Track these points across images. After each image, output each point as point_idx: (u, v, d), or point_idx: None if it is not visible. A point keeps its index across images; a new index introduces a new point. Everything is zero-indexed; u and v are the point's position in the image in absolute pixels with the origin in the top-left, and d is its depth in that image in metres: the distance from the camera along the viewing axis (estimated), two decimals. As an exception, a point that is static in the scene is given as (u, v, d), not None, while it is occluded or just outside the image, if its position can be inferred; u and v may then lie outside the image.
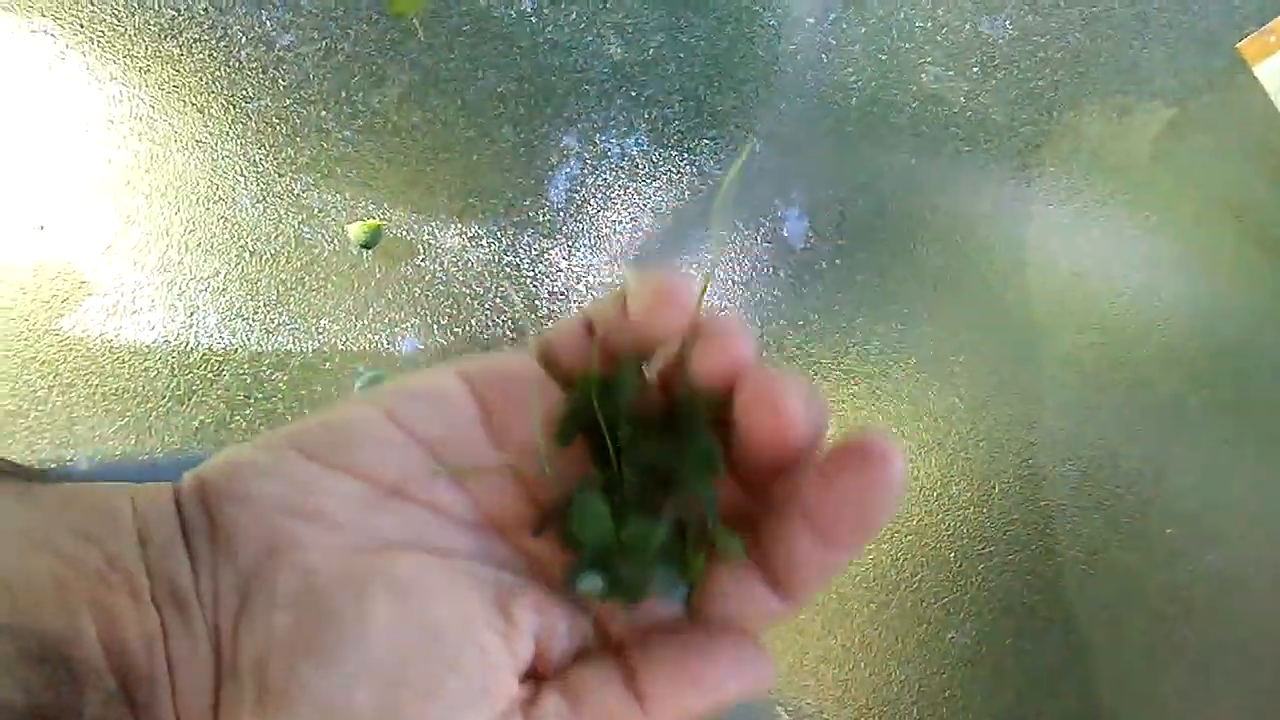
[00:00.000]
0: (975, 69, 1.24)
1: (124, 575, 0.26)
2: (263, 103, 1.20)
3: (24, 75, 1.20)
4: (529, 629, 0.28)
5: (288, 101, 1.20)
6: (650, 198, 1.22)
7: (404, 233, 1.19)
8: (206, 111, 1.20)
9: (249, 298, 1.16)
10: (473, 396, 0.30)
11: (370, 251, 1.19)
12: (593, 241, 1.22)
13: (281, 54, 1.22)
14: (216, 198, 1.18)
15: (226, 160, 1.19)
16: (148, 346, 1.15)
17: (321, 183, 1.19)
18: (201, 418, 1.14)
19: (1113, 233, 1.24)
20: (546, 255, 1.21)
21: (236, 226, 1.17)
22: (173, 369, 1.14)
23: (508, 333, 1.21)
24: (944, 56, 1.24)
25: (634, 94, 1.23)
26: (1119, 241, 1.24)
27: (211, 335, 1.15)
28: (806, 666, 1.18)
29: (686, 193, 1.22)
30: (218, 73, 1.21)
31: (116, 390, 1.13)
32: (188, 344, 1.15)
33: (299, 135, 1.20)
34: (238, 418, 1.15)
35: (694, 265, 1.23)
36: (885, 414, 1.20)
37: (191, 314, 1.15)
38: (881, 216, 1.23)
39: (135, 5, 1.23)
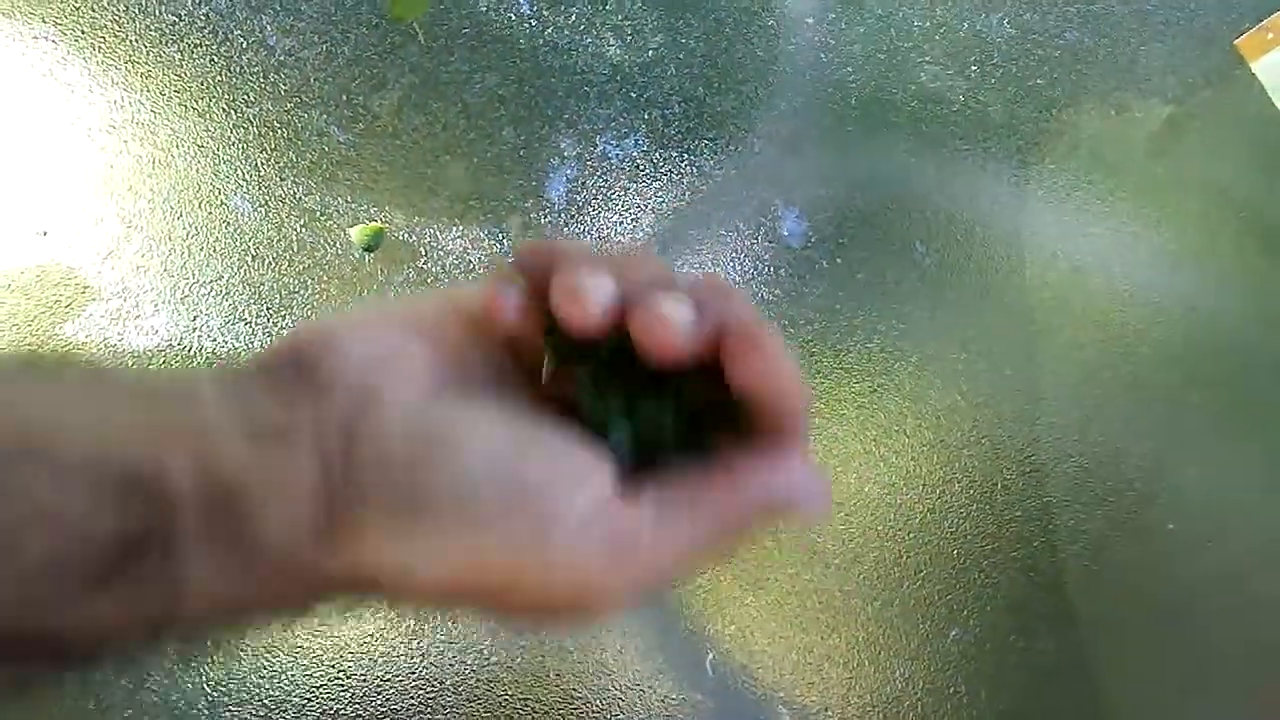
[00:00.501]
0: (974, 67, 1.24)
1: (211, 417, 0.28)
2: (264, 107, 1.21)
3: (26, 81, 1.21)
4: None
5: (288, 106, 1.21)
6: (650, 198, 1.23)
7: (406, 235, 1.19)
8: (208, 116, 1.20)
9: (252, 301, 1.16)
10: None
11: (372, 254, 1.19)
12: (594, 243, 1.22)
13: (282, 59, 1.22)
14: (219, 202, 1.18)
15: (228, 165, 1.19)
16: (151, 350, 1.15)
17: (323, 186, 1.20)
18: (205, 421, 1.15)
19: (1112, 229, 1.24)
20: (548, 257, 1.22)
21: (239, 231, 1.18)
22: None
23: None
24: (942, 55, 1.25)
25: (633, 95, 1.23)
26: (1118, 238, 1.24)
27: (215, 339, 1.16)
28: (810, 664, 1.18)
29: (686, 193, 1.23)
30: (219, 77, 1.21)
31: (121, 394, 1.14)
32: (191, 348, 1.15)
33: (300, 139, 1.21)
34: (241, 421, 1.16)
35: (694, 265, 1.23)
36: (887, 412, 1.20)
37: (195, 318, 1.16)
38: (881, 215, 1.23)
39: (137, 11, 1.24)
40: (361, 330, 0.32)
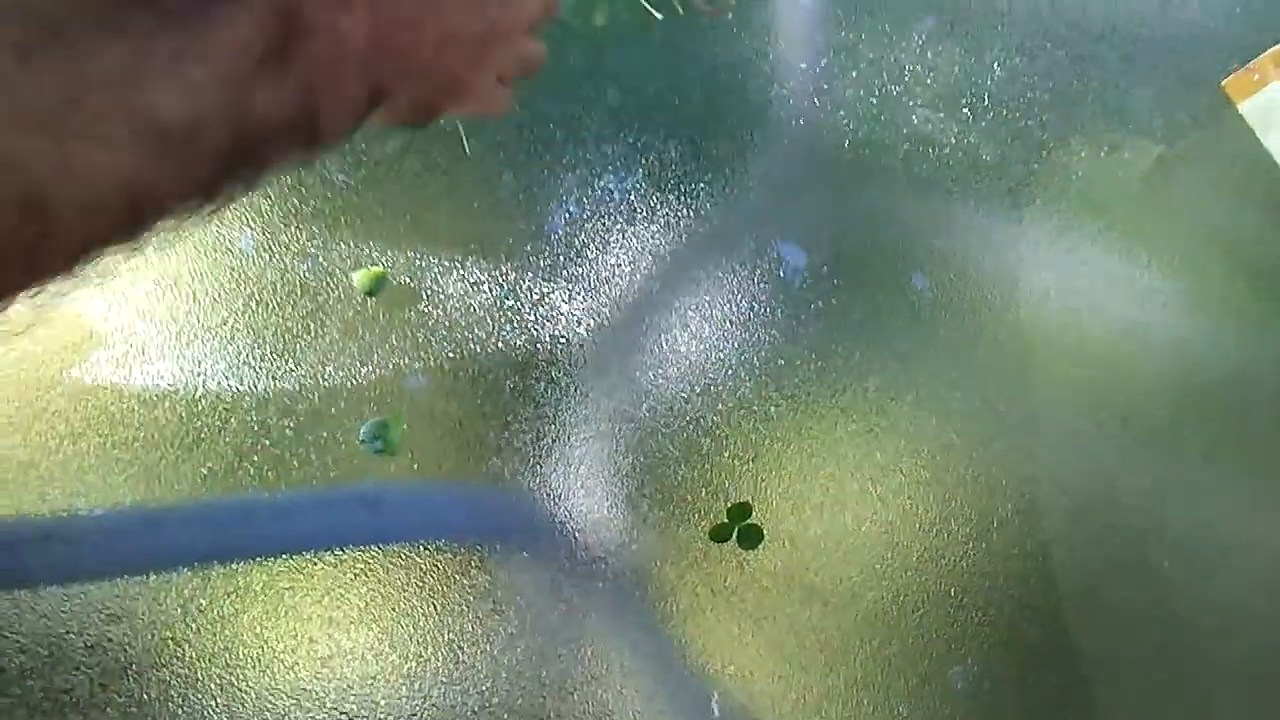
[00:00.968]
0: (965, 110, 1.26)
1: None
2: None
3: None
4: None
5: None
6: (648, 240, 1.24)
7: (407, 279, 1.21)
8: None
9: (255, 345, 1.18)
10: None
11: (374, 298, 1.21)
12: (593, 284, 1.24)
13: None
14: (223, 248, 1.20)
15: (233, 211, 1.21)
16: (156, 395, 1.17)
17: (326, 232, 1.22)
18: (210, 465, 1.16)
19: (1105, 268, 1.25)
20: (548, 299, 1.24)
21: (243, 276, 1.20)
22: (181, 417, 1.16)
23: (512, 374, 1.23)
24: (934, 99, 1.27)
25: (631, 140, 1.25)
26: (1111, 277, 1.25)
27: (219, 383, 1.17)
28: (810, 703, 1.19)
29: (684, 235, 1.25)
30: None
31: (126, 439, 1.15)
32: (196, 392, 1.17)
33: (304, 185, 1.23)
34: (245, 464, 1.17)
35: (692, 306, 1.25)
36: (883, 451, 1.22)
37: (199, 363, 1.17)
38: (876, 256, 1.25)
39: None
40: None
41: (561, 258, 1.23)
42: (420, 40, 0.37)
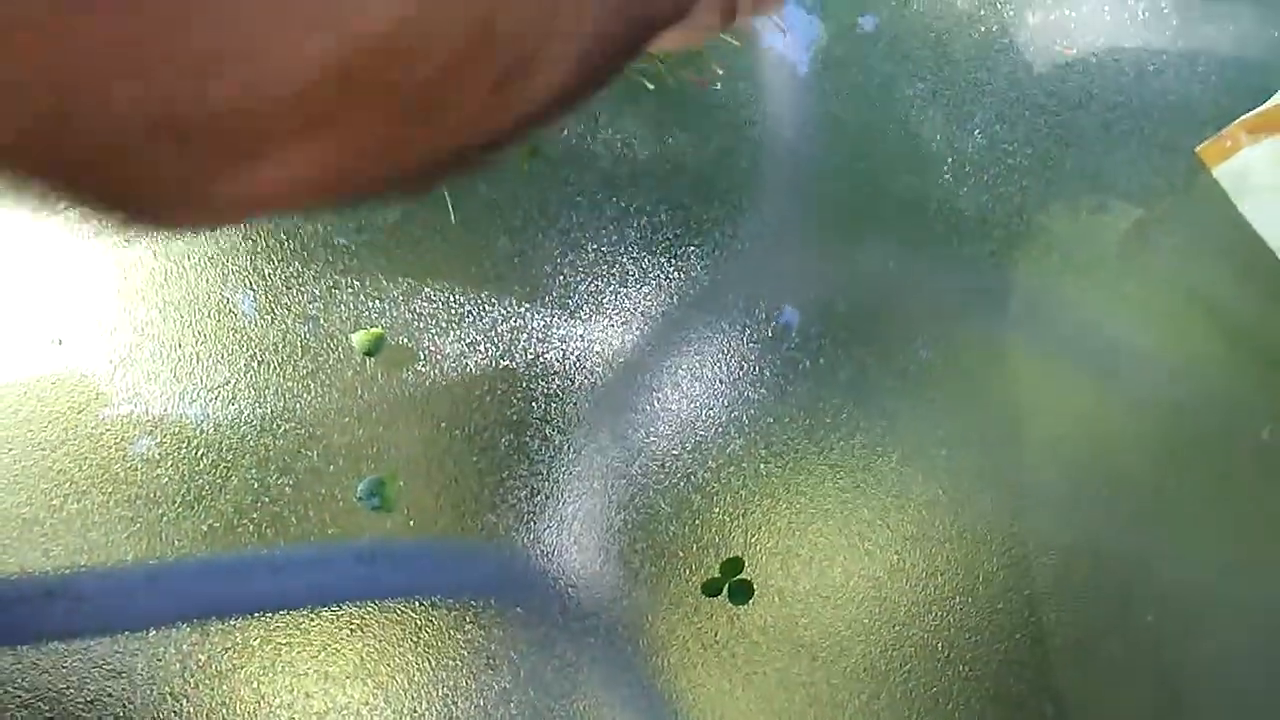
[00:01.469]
0: (947, 176, 1.30)
1: None
2: (272, 222, 1.27)
3: (46, 197, 1.27)
4: None
5: (293, 221, 1.27)
6: (640, 302, 1.28)
7: (405, 340, 1.25)
8: (219, 229, 1.26)
9: (256, 405, 1.21)
10: None
11: (373, 358, 1.24)
12: (586, 344, 1.27)
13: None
14: (226, 310, 1.24)
15: (237, 275, 1.25)
16: (159, 454, 1.20)
17: (326, 294, 1.25)
18: (210, 522, 1.19)
19: (1087, 328, 1.29)
20: (542, 358, 1.27)
21: (245, 337, 1.23)
22: (183, 475, 1.19)
23: (507, 432, 1.26)
24: (917, 165, 1.31)
25: (623, 205, 1.29)
26: (1093, 336, 1.28)
27: (221, 442, 1.20)
28: (800, 758, 1.20)
29: (675, 297, 1.28)
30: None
31: (129, 497, 1.18)
32: (198, 451, 1.20)
33: (306, 250, 1.27)
34: (245, 521, 1.20)
35: (683, 366, 1.28)
36: (870, 507, 1.24)
37: (201, 422, 1.20)
38: (862, 316, 1.28)
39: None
40: None
41: (555, 319, 1.27)
42: None
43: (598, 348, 1.27)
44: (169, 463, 1.19)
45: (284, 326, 1.24)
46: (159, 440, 1.20)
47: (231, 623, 1.18)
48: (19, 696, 1.15)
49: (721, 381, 1.27)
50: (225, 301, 1.24)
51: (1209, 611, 1.25)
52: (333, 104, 0.22)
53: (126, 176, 0.22)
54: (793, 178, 1.32)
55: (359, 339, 1.23)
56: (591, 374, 1.27)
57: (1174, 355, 1.29)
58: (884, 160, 1.32)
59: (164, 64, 0.19)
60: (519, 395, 1.26)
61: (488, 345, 1.26)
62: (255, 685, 1.17)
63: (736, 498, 1.25)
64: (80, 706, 1.15)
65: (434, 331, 1.25)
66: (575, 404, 1.26)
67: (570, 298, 1.27)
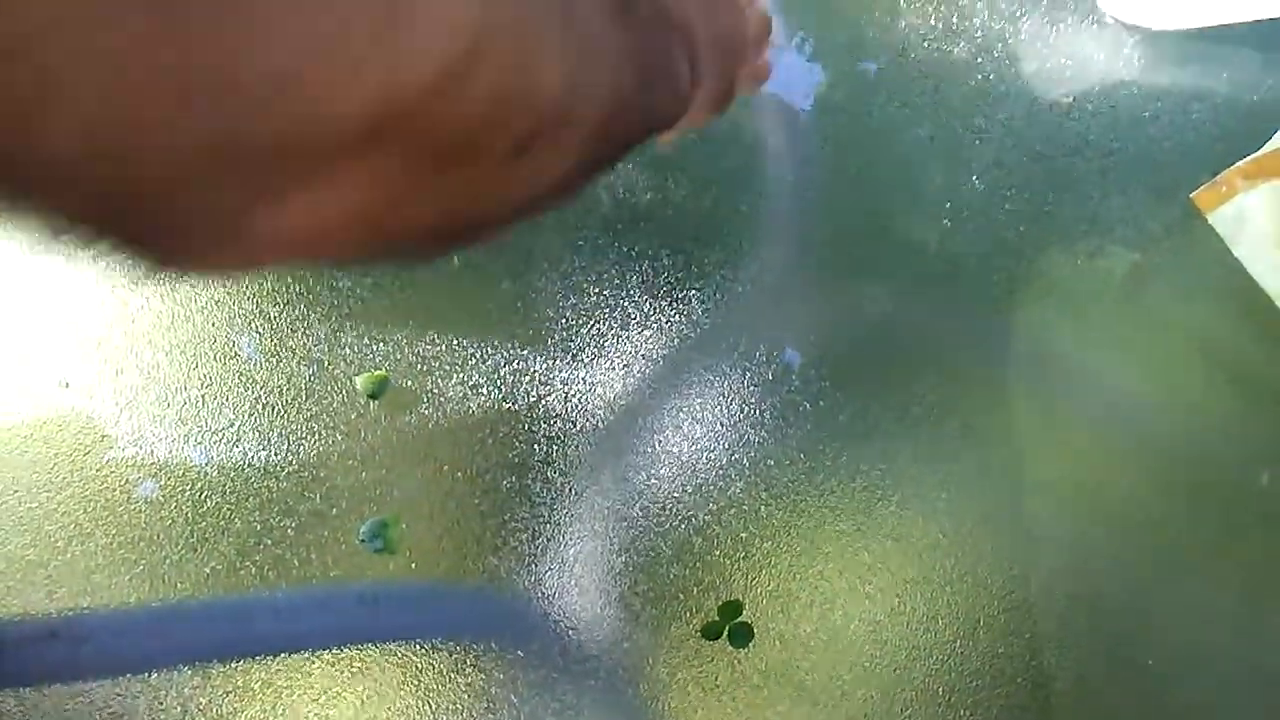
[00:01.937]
0: (946, 221, 1.32)
1: None
2: (293, 267, 1.28)
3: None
4: None
5: (314, 268, 1.29)
6: (641, 345, 1.29)
7: (409, 383, 1.26)
8: (243, 274, 1.28)
9: (260, 448, 1.22)
10: None
11: (376, 400, 1.25)
12: (588, 387, 1.28)
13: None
14: (232, 354, 1.25)
15: (243, 318, 1.26)
16: (163, 497, 1.20)
17: (331, 337, 1.26)
18: (213, 564, 1.19)
19: (1087, 371, 1.29)
20: (544, 401, 1.28)
21: (250, 380, 1.24)
22: (187, 518, 1.20)
23: (509, 474, 1.27)
24: (917, 210, 1.32)
25: (625, 248, 1.31)
26: (1094, 380, 1.29)
27: (224, 485, 1.21)
28: (801, 804, 1.20)
29: (676, 340, 1.29)
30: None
31: (133, 539, 1.19)
32: (202, 493, 1.21)
33: (311, 293, 1.28)
34: (248, 564, 1.20)
35: (684, 409, 1.29)
36: (870, 550, 1.24)
37: (205, 465, 1.21)
38: (862, 359, 1.29)
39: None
40: None
41: (557, 362, 1.28)
42: (718, 20, 0.34)
43: (599, 390, 1.28)
44: (173, 505, 1.20)
45: (288, 370, 1.25)
46: (163, 483, 1.21)
47: (233, 666, 1.18)
48: (20, 739, 1.15)
49: (722, 424, 1.28)
50: (230, 345, 1.25)
51: (1210, 656, 1.25)
52: (367, 144, 0.23)
53: (175, 210, 0.23)
54: (793, 221, 1.33)
55: (362, 382, 1.24)
56: (593, 416, 1.27)
57: (1172, 399, 1.30)
58: (884, 204, 1.33)
59: (236, 88, 0.20)
60: (521, 438, 1.27)
61: (490, 388, 1.27)
62: (256, 728, 1.18)
63: (737, 540, 1.25)
64: (81, 749, 1.15)
65: (437, 374, 1.26)
66: (577, 446, 1.27)
67: (572, 341, 1.28)
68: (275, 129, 0.22)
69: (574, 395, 1.28)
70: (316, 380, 1.25)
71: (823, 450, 1.27)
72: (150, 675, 1.17)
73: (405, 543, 1.22)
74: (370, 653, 1.20)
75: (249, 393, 1.24)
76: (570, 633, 1.23)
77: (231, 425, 1.23)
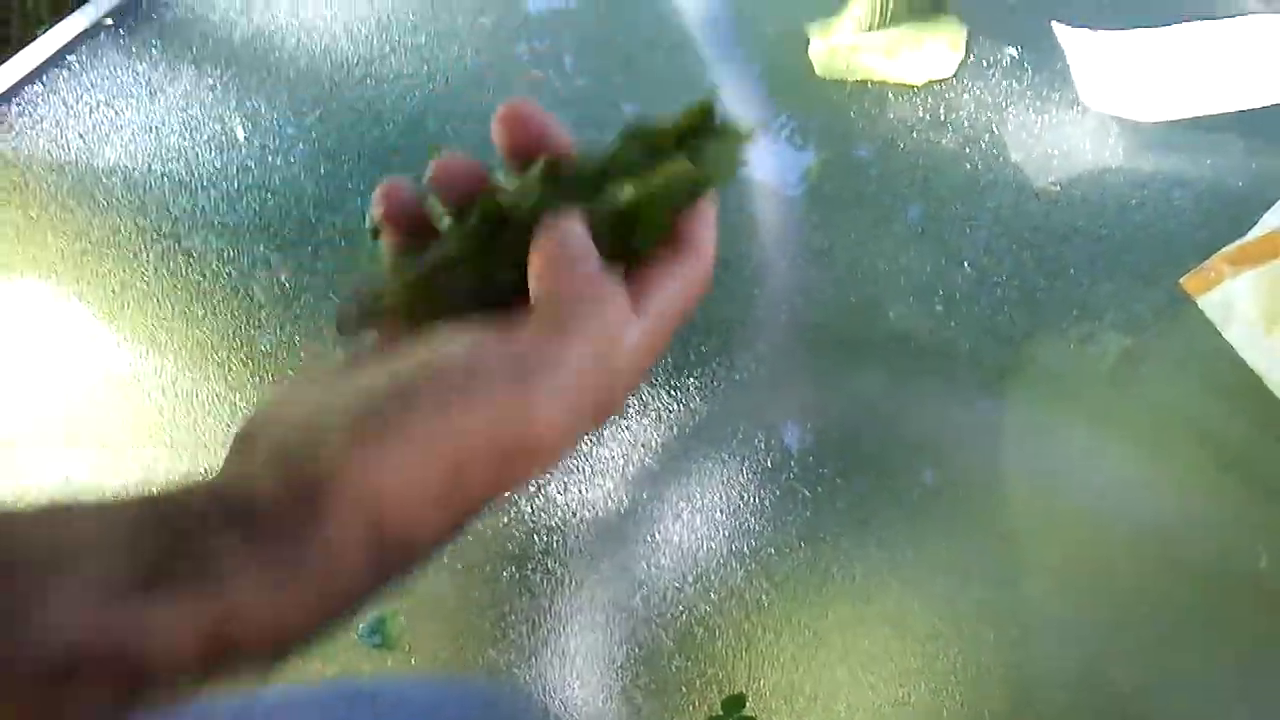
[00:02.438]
0: (939, 307, 1.34)
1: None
2: (280, 357, 1.30)
3: (60, 337, 1.31)
4: None
5: (303, 354, 1.30)
6: (640, 434, 1.30)
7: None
8: (226, 366, 1.29)
9: (261, 542, 1.22)
10: None
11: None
12: (587, 477, 1.29)
13: (299, 311, 1.33)
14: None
15: (245, 410, 1.27)
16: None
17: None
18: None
19: (1081, 456, 1.30)
20: (543, 490, 1.28)
21: (251, 473, 1.25)
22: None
23: (509, 564, 1.27)
24: (908, 297, 1.34)
25: (623, 338, 1.32)
26: (1088, 464, 1.30)
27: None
28: None
29: (674, 428, 1.30)
30: (239, 330, 1.31)
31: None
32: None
33: (312, 385, 1.29)
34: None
35: (683, 497, 1.29)
36: (871, 638, 1.24)
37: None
38: (858, 447, 1.30)
39: (165, 272, 1.35)
40: (278, 404, 0.36)
41: (557, 451, 1.28)
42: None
43: (599, 479, 1.29)
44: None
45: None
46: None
47: (230, 766, 1.16)
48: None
49: (722, 512, 1.28)
50: (226, 433, 1.26)
51: (1218, 742, 1.24)
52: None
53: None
54: (788, 307, 1.35)
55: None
56: (593, 506, 1.28)
57: (1168, 482, 1.30)
58: (876, 290, 1.35)
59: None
60: (521, 527, 1.27)
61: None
62: (252, 830, 1.16)
63: (739, 630, 1.25)
64: None
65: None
66: (577, 536, 1.27)
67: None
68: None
69: (573, 484, 1.28)
70: (317, 473, 1.26)
71: (823, 538, 1.28)
72: (146, 776, 1.15)
73: (404, 637, 1.22)
74: (369, 750, 1.18)
75: (250, 486, 1.24)
76: (571, 726, 1.22)
77: (232, 519, 1.23)
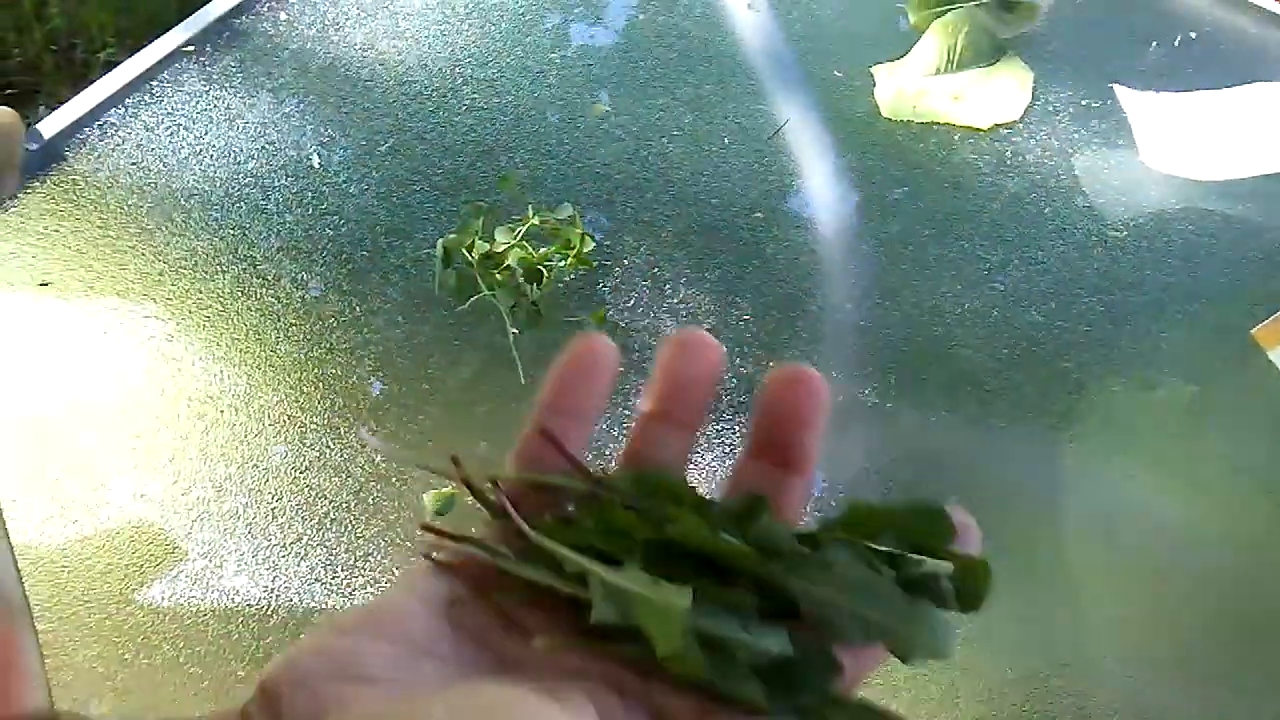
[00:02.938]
0: (1005, 351, 1.34)
1: None
2: (350, 381, 1.32)
3: (135, 355, 1.33)
4: None
5: (372, 380, 1.32)
6: (704, 468, 1.30)
7: (474, 501, 1.27)
8: (299, 389, 1.31)
9: (327, 564, 1.23)
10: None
11: (443, 517, 1.27)
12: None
13: (369, 336, 1.35)
14: (302, 467, 1.27)
15: (314, 433, 1.29)
16: (230, 611, 1.21)
17: (400, 454, 1.29)
18: (276, 681, 1.19)
19: (1148, 505, 1.29)
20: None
21: (319, 495, 1.26)
22: (253, 632, 1.20)
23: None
24: (975, 340, 1.35)
25: (689, 372, 1.33)
26: (1153, 512, 1.29)
27: (291, 599, 1.22)
28: None
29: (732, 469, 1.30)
30: (311, 353, 1.33)
31: (199, 654, 1.19)
32: (268, 607, 1.22)
33: (381, 409, 1.31)
34: (310, 681, 1.20)
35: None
36: (939, 685, 1.23)
37: (274, 579, 1.22)
38: (924, 488, 1.30)
39: (240, 293, 1.37)
40: (321, 644, 0.34)
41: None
42: None
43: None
44: (240, 620, 1.21)
45: (357, 485, 1.27)
46: (231, 596, 1.22)
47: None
48: None
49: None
50: (301, 459, 1.28)
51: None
52: None
53: None
54: (852, 348, 1.36)
55: (430, 499, 1.26)
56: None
57: (1233, 534, 1.29)
58: (941, 335, 1.36)
59: None
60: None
61: (554, 508, 1.28)
62: None
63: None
64: None
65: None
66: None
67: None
68: None
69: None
70: (384, 497, 1.27)
71: (884, 578, 1.27)
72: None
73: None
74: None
75: (318, 508, 1.26)
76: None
77: (300, 539, 1.25)
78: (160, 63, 1.58)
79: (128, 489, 1.26)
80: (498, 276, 1.34)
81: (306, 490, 1.27)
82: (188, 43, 1.60)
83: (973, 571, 0.36)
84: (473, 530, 0.44)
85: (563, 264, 1.36)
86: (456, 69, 1.61)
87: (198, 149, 1.51)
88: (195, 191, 1.47)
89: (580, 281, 1.38)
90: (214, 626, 1.21)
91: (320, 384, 1.32)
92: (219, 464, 1.28)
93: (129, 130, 1.53)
